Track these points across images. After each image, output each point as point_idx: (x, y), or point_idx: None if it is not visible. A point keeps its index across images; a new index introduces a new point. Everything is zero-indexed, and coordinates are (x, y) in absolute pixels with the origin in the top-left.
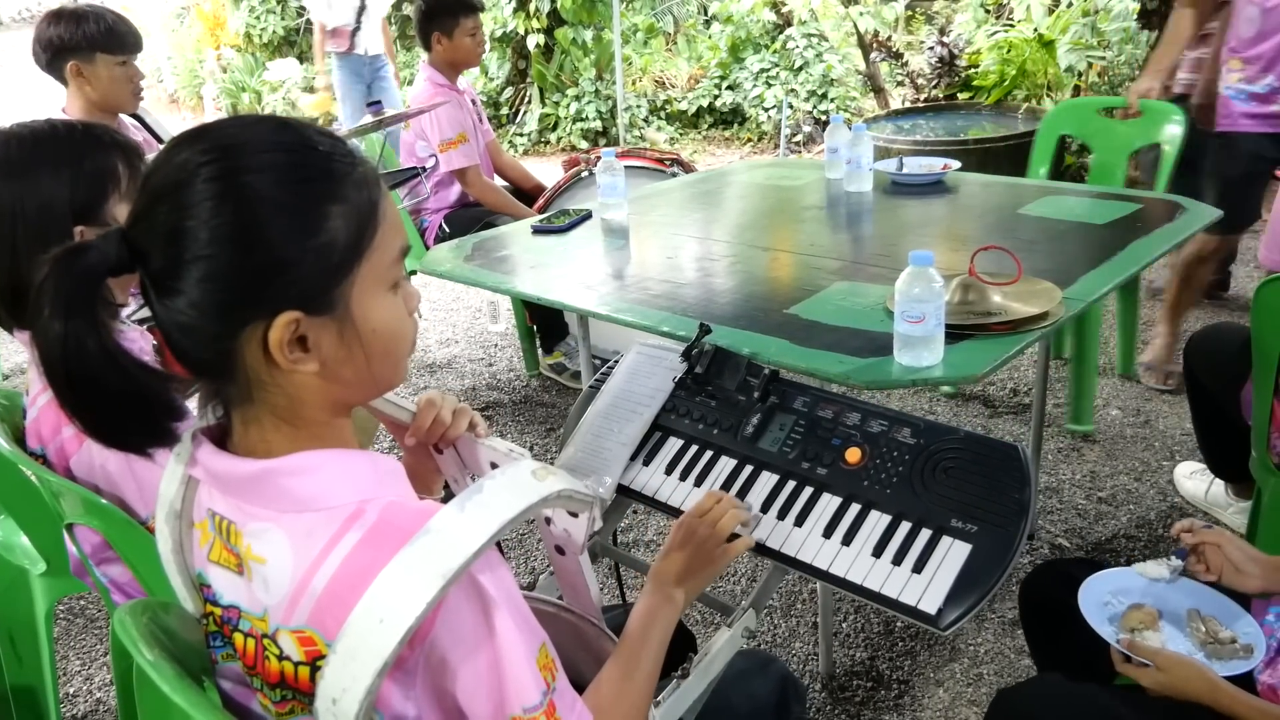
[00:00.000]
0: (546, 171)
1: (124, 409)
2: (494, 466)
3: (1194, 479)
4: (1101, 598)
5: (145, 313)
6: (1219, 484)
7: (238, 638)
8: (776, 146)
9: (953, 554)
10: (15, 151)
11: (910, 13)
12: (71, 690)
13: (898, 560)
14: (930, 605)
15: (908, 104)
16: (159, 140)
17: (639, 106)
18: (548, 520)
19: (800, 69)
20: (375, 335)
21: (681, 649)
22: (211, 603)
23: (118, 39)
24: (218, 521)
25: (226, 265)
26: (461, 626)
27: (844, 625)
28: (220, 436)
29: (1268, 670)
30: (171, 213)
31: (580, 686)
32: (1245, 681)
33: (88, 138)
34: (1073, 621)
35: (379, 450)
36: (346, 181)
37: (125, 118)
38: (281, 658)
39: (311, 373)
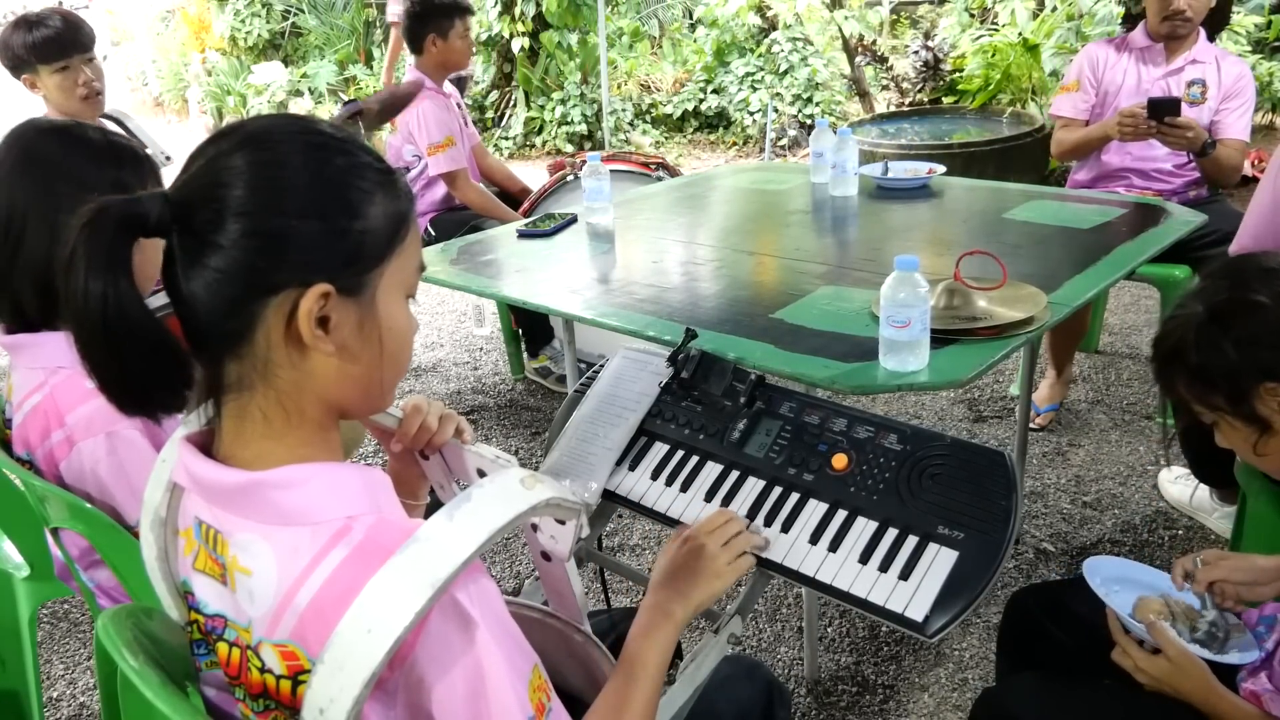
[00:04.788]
0: (532, 175)
1: (154, 366)
2: (480, 473)
3: (1179, 484)
4: (1104, 579)
5: (159, 300)
6: (1203, 488)
7: (221, 646)
8: (762, 150)
9: (939, 561)
10: (46, 149)
11: (895, 17)
12: (55, 695)
13: (884, 567)
14: (917, 612)
15: (893, 108)
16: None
17: (624, 110)
18: (534, 527)
19: (785, 73)
20: (390, 334)
21: None
22: (196, 610)
23: (49, 46)
24: (204, 530)
25: (270, 226)
26: (441, 648)
27: (829, 630)
28: (206, 444)
29: (1251, 678)
30: (220, 173)
31: (565, 692)
32: (1228, 686)
33: (111, 149)
34: (1049, 640)
35: (365, 456)
36: (388, 184)
37: (105, 121)
38: (263, 670)
39: (327, 354)
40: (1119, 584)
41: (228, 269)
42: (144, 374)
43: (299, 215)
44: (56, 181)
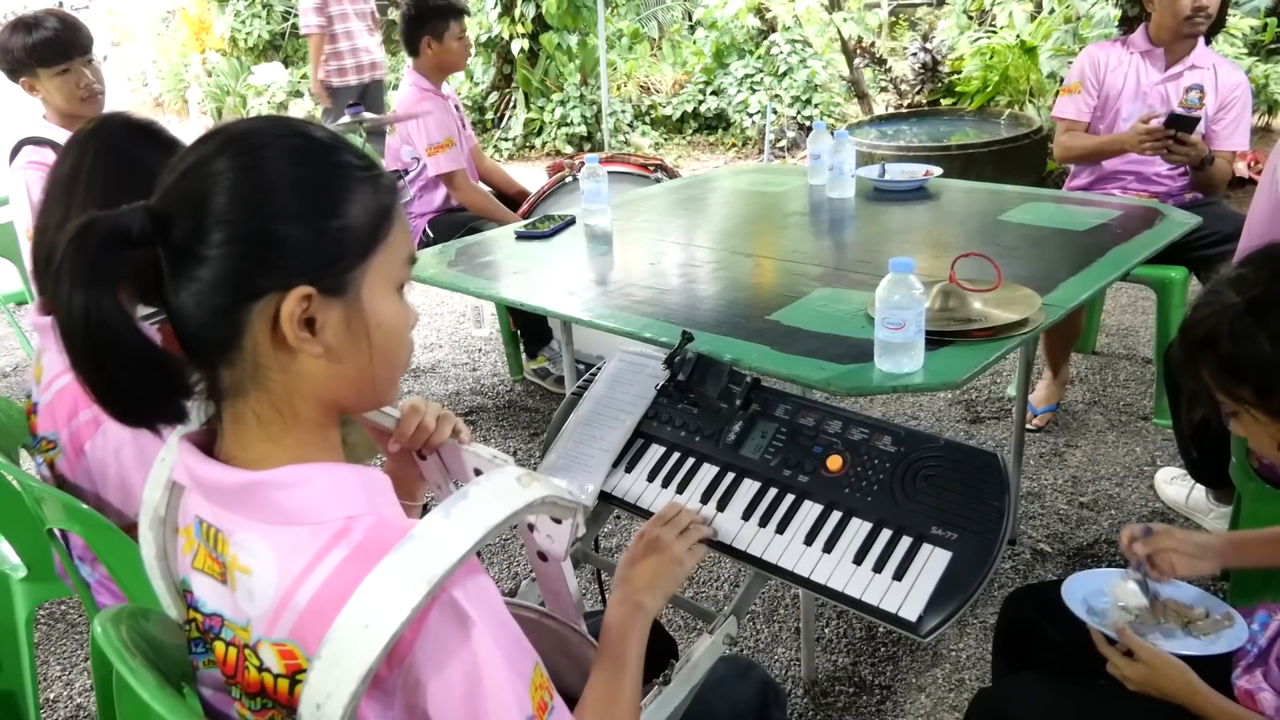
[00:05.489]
0: (531, 176)
1: (142, 380)
2: (477, 472)
3: (1175, 484)
4: (1087, 596)
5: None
6: (1200, 489)
7: (219, 646)
8: (760, 152)
9: (933, 561)
10: (138, 148)
11: (894, 19)
12: (52, 695)
13: (878, 567)
14: (911, 612)
15: (891, 110)
16: None
17: (624, 112)
18: (531, 527)
19: (784, 75)
20: (380, 330)
21: (663, 655)
22: (194, 609)
23: (49, 49)
24: (204, 529)
25: (249, 232)
26: (440, 648)
27: (826, 631)
28: (206, 443)
29: (1245, 676)
30: (200, 181)
31: (561, 692)
32: (1222, 686)
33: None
34: (1045, 642)
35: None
36: (365, 178)
37: None
38: (261, 669)
39: (315, 356)
40: (1105, 596)
41: (211, 278)
42: (132, 387)
43: (275, 219)
44: (150, 182)
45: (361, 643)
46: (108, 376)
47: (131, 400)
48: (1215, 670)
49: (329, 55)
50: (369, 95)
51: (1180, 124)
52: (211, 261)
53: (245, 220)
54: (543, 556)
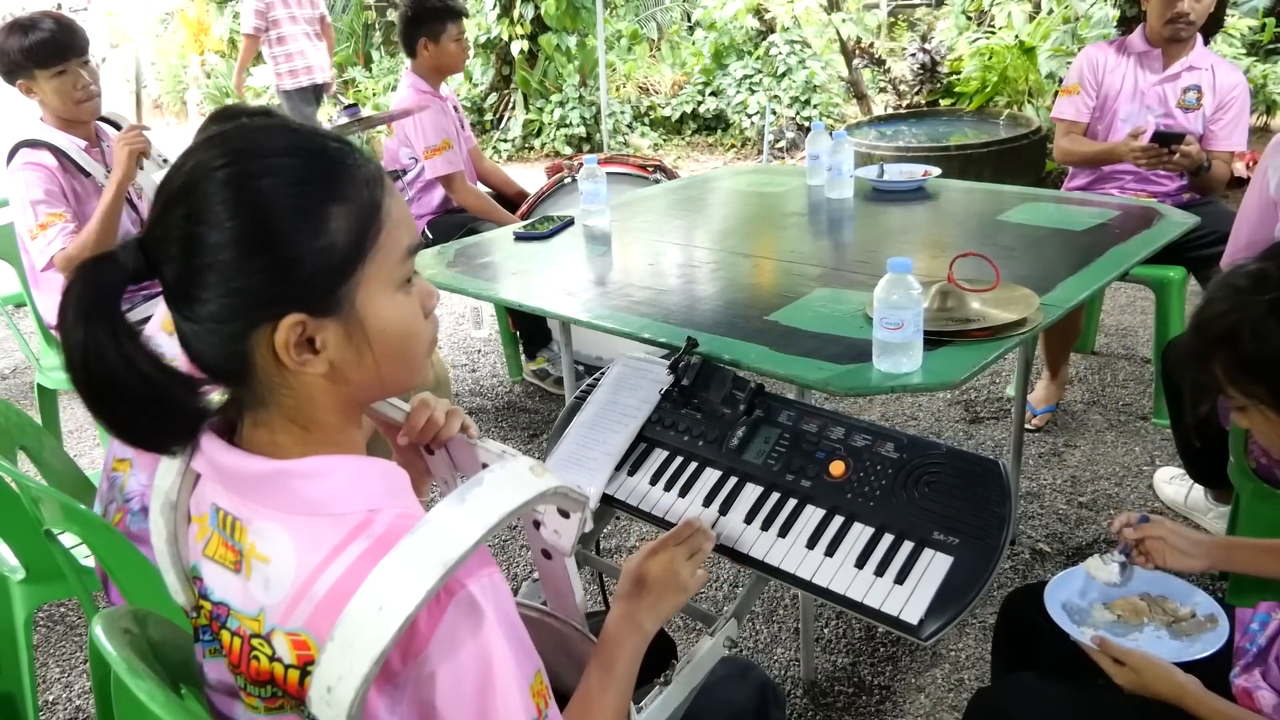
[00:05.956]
0: (530, 177)
1: (143, 412)
2: (485, 468)
3: (1174, 484)
4: (1069, 597)
5: None
6: (1199, 489)
7: (225, 635)
8: (759, 153)
9: (934, 566)
10: None
11: (892, 20)
12: (50, 698)
13: (880, 571)
14: (912, 616)
15: (890, 110)
16: None
17: (623, 113)
18: (537, 524)
19: (783, 75)
20: (384, 335)
21: (663, 656)
22: (203, 597)
23: (46, 50)
24: (221, 516)
25: (234, 270)
26: (455, 644)
27: (826, 631)
28: (225, 430)
29: (1244, 674)
30: (183, 220)
31: (561, 692)
32: (1220, 685)
33: None
34: (1043, 642)
35: None
36: (349, 181)
37: (104, 126)
38: (273, 659)
39: (320, 374)
40: (1096, 592)
41: (205, 315)
42: (136, 419)
43: (264, 254)
44: None
45: (375, 625)
46: (108, 409)
47: (136, 429)
48: (1213, 668)
49: (280, 58)
50: (319, 96)
51: (1168, 140)
52: (203, 300)
53: (230, 260)
54: (547, 555)
